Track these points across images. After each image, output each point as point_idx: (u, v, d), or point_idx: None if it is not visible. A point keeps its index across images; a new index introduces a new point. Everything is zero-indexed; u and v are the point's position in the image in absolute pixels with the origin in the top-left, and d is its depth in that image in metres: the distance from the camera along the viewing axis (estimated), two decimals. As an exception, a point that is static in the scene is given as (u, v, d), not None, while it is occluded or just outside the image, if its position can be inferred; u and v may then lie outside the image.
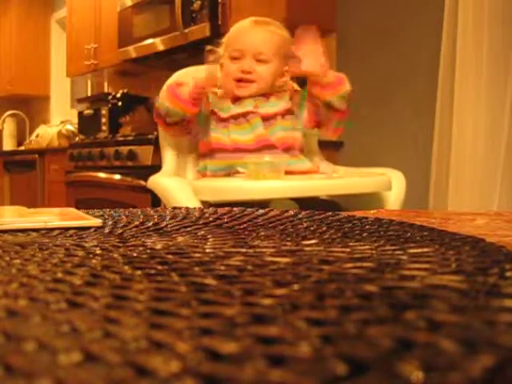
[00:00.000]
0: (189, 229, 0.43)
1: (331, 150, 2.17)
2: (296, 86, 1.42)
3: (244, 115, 1.26)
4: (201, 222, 0.47)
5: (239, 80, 1.27)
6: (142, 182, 2.13)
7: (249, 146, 1.23)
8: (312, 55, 1.19)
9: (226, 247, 0.33)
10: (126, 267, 0.27)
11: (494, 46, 1.73)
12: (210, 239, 0.37)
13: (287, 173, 1.13)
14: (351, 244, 0.34)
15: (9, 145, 4.47)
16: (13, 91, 4.38)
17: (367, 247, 0.32)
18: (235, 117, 1.27)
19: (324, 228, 0.42)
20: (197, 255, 0.30)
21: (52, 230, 0.43)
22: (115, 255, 0.31)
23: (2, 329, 0.17)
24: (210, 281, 0.23)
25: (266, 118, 1.26)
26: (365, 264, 0.27)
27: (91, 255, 0.31)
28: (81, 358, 0.14)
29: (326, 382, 0.13)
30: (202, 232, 0.41)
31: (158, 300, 0.20)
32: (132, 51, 2.93)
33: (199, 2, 2.39)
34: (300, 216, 0.50)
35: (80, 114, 3.31)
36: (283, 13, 2.10)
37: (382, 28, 2.16)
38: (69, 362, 0.14)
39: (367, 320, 0.17)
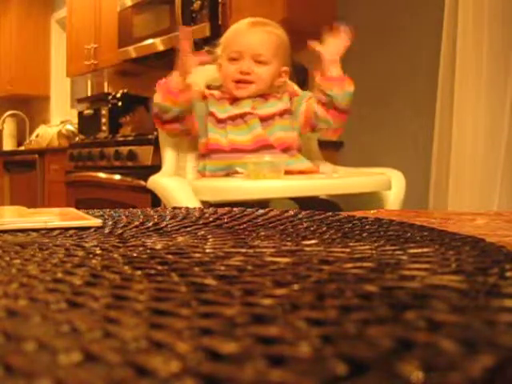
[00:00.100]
0: (189, 229, 0.43)
1: (331, 150, 2.17)
2: (297, 88, 1.42)
3: (241, 116, 1.27)
4: (201, 222, 0.47)
5: (238, 81, 1.27)
6: (142, 182, 2.13)
7: (246, 147, 1.23)
8: (332, 44, 1.27)
9: (226, 247, 0.33)
10: (126, 267, 0.27)
11: (494, 46, 1.73)
12: (210, 239, 0.37)
13: (286, 172, 1.13)
14: (351, 244, 0.34)
15: (9, 145, 4.47)
16: (13, 91, 4.38)
17: (367, 247, 0.32)
18: (232, 118, 1.27)
19: (324, 228, 0.42)
20: (197, 255, 0.30)
21: (52, 229, 0.43)
22: (115, 255, 0.31)
23: (1, 329, 0.17)
24: (209, 281, 0.23)
25: (264, 119, 1.27)
26: (365, 264, 0.27)
27: (91, 255, 0.31)
28: (81, 358, 0.14)
29: (326, 382, 0.13)
30: (202, 232, 0.41)
31: (158, 300, 0.20)
32: (132, 51, 2.93)
33: (199, 2, 2.39)
34: (300, 216, 0.50)
35: (80, 114, 3.31)
36: (283, 13, 2.10)
37: (381, 28, 2.16)
38: (69, 361, 0.14)
39: (367, 320, 0.17)
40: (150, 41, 2.77)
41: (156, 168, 1.38)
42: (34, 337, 0.16)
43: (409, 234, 0.37)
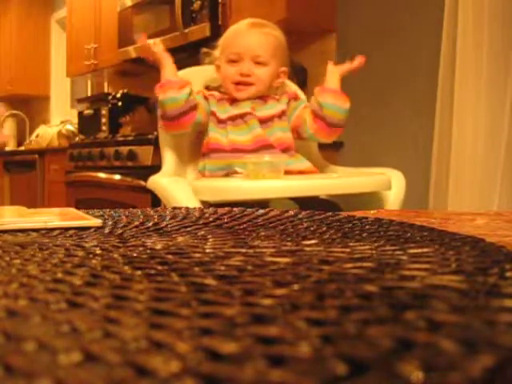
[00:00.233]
0: (189, 229, 0.43)
1: (331, 150, 2.16)
2: (299, 92, 1.42)
3: (241, 116, 1.27)
4: (201, 222, 0.47)
5: (238, 83, 1.28)
6: (142, 182, 2.13)
7: (246, 147, 1.24)
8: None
9: (226, 247, 0.33)
10: (126, 267, 0.27)
11: (494, 46, 1.73)
12: (210, 239, 0.37)
13: (286, 172, 1.13)
14: (351, 244, 0.34)
15: (9, 145, 4.47)
16: (13, 91, 4.38)
17: (367, 247, 0.32)
18: (233, 118, 1.27)
19: (324, 228, 0.42)
20: (197, 255, 0.30)
21: (52, 230, 0.43)
22: (115, 255, 0.31)
23: (1, 329, 0.17)
24: (209, 281, 0.23)
25: (264, 121, 1.27)
26: (365, 264, 0.27)
27: (91, 255, 0.31)
28: (81, 358, 0.14)
29: (326, 382, 0.13)
30: (202, 232, 0.41)
31: (158, 300, 0.20)
32: (132, 51, 2.93)
33: (199, 2, 2.39)
34: (300, 216, 0.50)
35: (80, 113, 3.31)
36: (283, 13, 2.10)
37: (381, 28, 2.16)
38: (69, 361, 0.14)
39: (367, 320, 0.17)
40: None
41: (156, 168, 1.38)
42: (34, 337, 0.16)
43: (409, 234, 0.37)
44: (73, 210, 0.56)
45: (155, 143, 2.12)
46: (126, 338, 0.16)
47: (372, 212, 0.63)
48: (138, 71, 3.30)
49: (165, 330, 0.17)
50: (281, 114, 1.30)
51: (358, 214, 0.55)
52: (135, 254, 0.31)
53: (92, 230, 0.43)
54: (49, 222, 0.45)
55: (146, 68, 3.17)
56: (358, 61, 1.30)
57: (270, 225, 0.44)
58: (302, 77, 2.09)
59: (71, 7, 3.71)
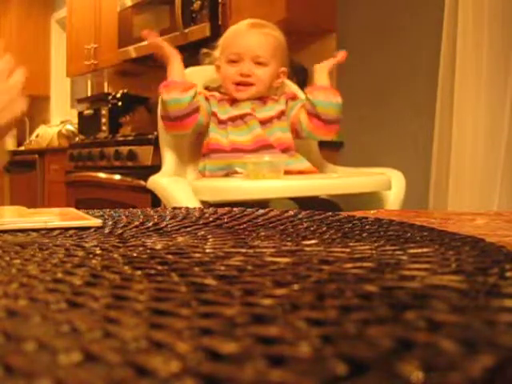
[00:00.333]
0: (189, 229, 0.43)
1: (331, 150, 2.16)
2: (299, 93, 1.42)
3: (241, 117, 1.27)
4: (201, 222, 0.47)
5: (238, 83, 1.28)
6: (142, 182, 2.13)
7: (246, 147, 1.24)
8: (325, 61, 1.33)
9: (226, 247, 0.33)
10: (126, 267, 0.27)
11: (494, 46, 1.73)
12: (210, 239, 0.37)
13: (286, 172, 1.13)
14: (351, 244, 0.34)
15: (9, 145, 4.47)
16: (13, 91, 4.37)
17: (367, 247, 0.32)
18: (233, 119, 1.28)
19: (324, 228, 0.42)
20: (197, 255, 0.30)
21: (52, 230, 0.43)
22: (115, 255, 0.31)
23: (1, 329, 0.17)
24: (210, 281, 0.23)
25: (263, 122, 1.28)
26: (365, 264, 0.27)
27: (91, 255, 0.31)
28: (81, 357, 0.14)
29: (326, 382, 0.13)
30: (202, 232, 0.41)
31: (158, 300, 0.20)
32: (132, 51, 2.93)
33: (199, 2, 2.39)
34: (300, 216, 0.50)
35: (80, 114, 3.31)
36: (283, 13, 2.10)
37: (381, 28, 2.16)
38: (69, 361, 0.14)
39: (367, 320, 0.17)
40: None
41: (156, 168, 1.38)
42: (34, 337, 0.16)
43: (409, 234, 0.37)
44: (73, 210, 0.56)
45: (155, 143, 2.12)
46: (126, 337, 0.16)
47: (372, 212, 0.63)
48: (138, 71, 3.30)
49: (165, 330, 0.17)
50: (280, 115, 1.31)
51: (358, 213, 0.55)
52: (135, 254, 0.31)
53: (92, 230, 0.43)
54: (49, 222, 0.45)
55: (146, 68, 3.17)
56: (341, 55, 1.32)
57: (270, 225, 0.44)
58: (301, 77, 2.09)
59: (71, 7, 3.71)
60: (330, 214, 0.52)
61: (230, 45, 1.31)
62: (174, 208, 0.61)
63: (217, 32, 2.29)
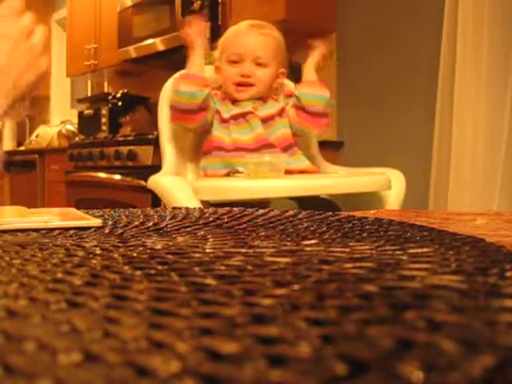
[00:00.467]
0: (189, 229, 0.43)
1: (331, 150, 2.17)
2: (295, 89, 1.42)
3: (243, 115, 1.28)
4: (201, 222, 0.47)
5: (239, 84, 1.29)
6: (142, 182, 2.13)
7: (248, 146, 1.25)
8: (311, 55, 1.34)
9: (226, 247, 0.33)
10: (126, 267, 0.27)
11: (494, 46, 1.73)
12: (210, 239, 0.37)
13: (287, 172, 1.13)
14: (351, 244, 0.34)
15: (9, 145, 4.47)
16: (13, 91, 4.37)
17: (367, 247, 0.32)
18: (235, 117, 1.28)
19: (324, 228, 0.42)
20: (197, 255, 0.30)
21: (52, 230, 0.43)
22: (115, 255, 0.31)
23: (1, 329, 0.17)
24: (210, 281, 0.23)
25: (265, 120, 1.28)
26: (365, 264, 0.27)
27: (91, 255, 0.31)
28: (81, 358, 0.14)
29: (326, 381, 0.13)
30: (202, 232, 0.41)
31: (158, 300, 0.20)
32: (132, 51, 2.93)
33: (199, 2, 2.39)
34: (300, 216, 0.50)
35: (80, 114, 3.31)
36: (283, 13, 2.10)
37: (381, 28, 2.16)
38: (69, 362, 0.14)
39: (367, 320, 0.17)
40: (150, 41, 2.77)
41: (156, 168, 1.38)
42: (34, 337, 0.16)
43: (409, 234, 0.37)
44: (73, 210, 0.56)
45: (155, 143, 2.12)
46: (126, 337, 0.16)
47: (372, 212, 0.63)
48: (138, 71, 3.30)
49: (165, 329, 0.17)
50: (280, 112, 1.32)
51: (358, 214, 0.55)
52: (135, 254, 0.31)
53: (92, 230, 0.43)
54: (49, 222, 0.45)
55: (146, 68, 3.17)
56: (322, 48, 1.35)
57: (270, 225, 0.44)
58: (301, 76, 2.09)
59: (71, 7, 3.71)
60: (330, 214, 0.52)
61: (231, 45, 1.31)
62: (174, 208, 0.61)
63: (217, 32, 2.29)
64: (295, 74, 1.64)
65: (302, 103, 1.27)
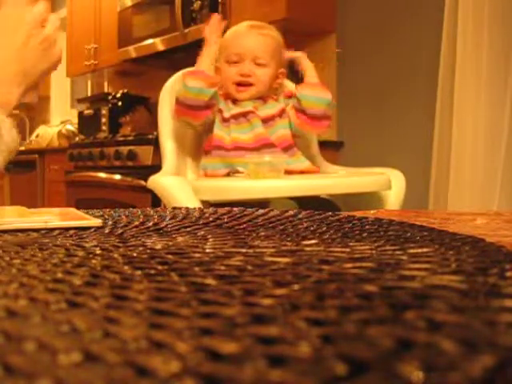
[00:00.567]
0: (189, 229, 0.43)
1: (331, 150, 2.17)
2: (296, 90, 1.42)
3: (244, 115, 1.28)
4: (201, 222, 0.47)
5: (238, 84, 1.29)
6: (142, 182, 2.13)
7: (248, 145, 1.25)
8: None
9: (226, 247, 0.33)
10: (126, 267, 0.27)
11: (494, 46, 1.73)
12: (210, 239, 0.37)
13: (286, 172, 1.13)
14: (351, 244, 0.34)
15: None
16: (13, 91, 4.36)
17: (367, 247, 0.32)
18: (235, 116, 1.28)
19: (324, 228, 0.42)
20: (197, 255, 0.30)
21: (52, 230, 0.43)
22: (115, 255, 0.31)
23: (1, 329, 0.17)
24: (210, 281, 0.23)
25: (265, 120, 1.29)
26: (365, 264, 0.27)
27: (91, 255, 0.31)
28: (81, 357, 0.14)
29: (326, 381, 0.13)
30: (202, 232, 0.41)
31: (158, 300, 0.20)
32: (132, 51, 2.93)
33: (199, 2, 2.39)
34: (300, 216, 0.50)
35: (80, 114, 3.31)
36: (283, 13, 2.10)
37: (381, 28, 2.16)
38: (69, 362, 0.14)
39: (367, 320, 0.17)
40: (150, 41, 2.77)
41: (156, 168, 1.39)
42: (34, 337, 0.16)
43: (409, 234, 0.37)
44: (73, 210, 0.56)
45: (155, 143, 2.12)
46: (126, 337, 0.16)
47: (372, 212, 0.63)
48: (137, 71, 3.30)
49: (165, 330, 0.17)
50: (281, 113, 1.32)
51: (358, 214, 0.55)
52: (135, 254, 0.31)
53: (92, 230, 0.43)
54: (49, 222, 0.45)
55: (146, 68, 3.17)
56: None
57: (270, 225, 0.44)
58: (301, 76, 2.09)
59: (71, 7, 3.71)
60: (330, 214, 0.52)
61: (230, 46, 1.31)
62: (174, 208, 0.61)
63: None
64: (296, 74, 1.64)
65: (302, 105, 1.27)
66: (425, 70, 2.01)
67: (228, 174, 1.23)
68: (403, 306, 0.19)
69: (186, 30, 2.47)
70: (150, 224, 0.46)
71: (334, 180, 1.17)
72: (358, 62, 2.24)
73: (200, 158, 1.35)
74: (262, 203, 1.02)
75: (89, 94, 3.86)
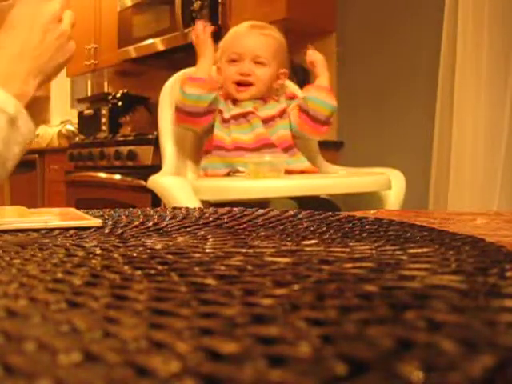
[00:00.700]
0: (189, 229, 0.43)
1: (331, 150, 2.17)
2: (299, 93, 1.42)
3: (244, 115, 1.28)
4: (201, 222, 0.47)
5: (238, 83, 1.29)
6: (142, 182, 2.13)
7: (248, 145, 1.25)
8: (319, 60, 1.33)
9: (226, 247, 0.33)
10: (126, 267, 0.27)
11: (494, 46, 1.73)
12: (210, 239, 0.37)
13: (286, 172, 1.13)
14: (351, 244, 0.34)
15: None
16: (13, 91, 4.36)
17: (367, 247, 0.32)
18: (235, 117, 1.28)
19: (324, 228, 0.42)
20: (197, 255, 0.30)
21: (52, 230, 0.43)
22: (115, 255, 0.31)
23: (1, 329, 0.17)
24: (210, 281, 0.23)
25: (266, 121, 1.28)
26: (365, 264, 0.27)
27: (91, 255, 0.31)
28: (81, 357, 0.14)
29: (326, 382, 0.13)
30: (202, 232, 0.41)
31: (158, 300, 0.20)
32: (132, 51, 2.93)
33: (199, 2, 2.39)
34: (300, 216, 0.50)
35: (80, 114, 3.31)
36: (283, 13, 2.10)
37: (381, 28, 2.16)
38: (69, 362, 0.14)
39: (367, 320, 0.17)
40: (150, 41, 2.77)
41: (156, 168, 1.38)
42: (34, 337, 0.16)
43: (409, 234, 0.37)
44: (73, 210, 0.56)
45: (155, 143, 2.12)
46: (126, 337, 0.16)
47: (372, 212, 0.63)
48: (138, 71, 3.30)
49: (165, 329, 0.17)
50: (282, 113, 1.32)
51: (358, 214, 0.55)
52: (135, 254, 0.31)
53: (92, 230, 0.43)
54: (49, 222, 0.45)
55: (146, 68, 3.17)
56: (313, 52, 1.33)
57: (270, 225, 0.44)
58: (301, 77, 2.09)
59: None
60: (330, 214, 0.52)
61: (231, 45, 1.31)
62: (174, 208, 0.61)
63: (216, 32, 2.29)
64: (296, 74, 1.64)
65: (307, 105, 1.27)
66: (425, 70, 2.01)
67: (228, 174, 1.23)
68: (403, 305, 0.19)
69: (186, 30, 2.47)
70: (150, 224, 0.46)
71: (334, 180, 1.17)
72: (358, 61, 2.23)
73: (200, 158, 1.35)
74: (262, 203, 1.02)
75: (89, 94, 3.86)
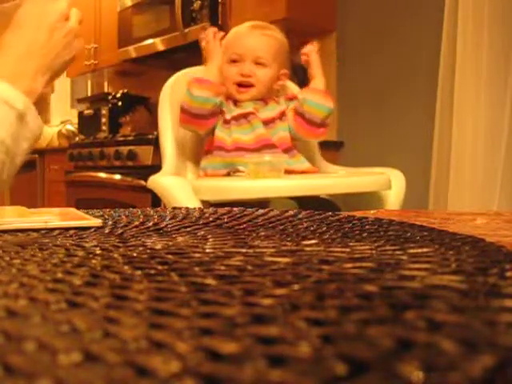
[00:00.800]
0: (189, 229, 0.43)
1: (331, 150, 2.17)
2: (299, 93, 1.42)
3: (245, 116, 1.28)
4: (201, 222, 0.47)
5: (239, 84, 1.29)
6: (142, 182, 2.13)
7: (249, 146, 1.25)
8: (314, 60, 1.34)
9: (226, 247, 0.33)
10: (126, 267, 0.27)
11: (494, 46, 1.73)
12: (210, 239, 0.37)
13: (287, 172, 1.13)
14: (351, 244, 0.34)
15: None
16: (13, 91, 4.36)
17: (367, 247, 0.32)
18: (236, 118, 1.28)
19: (324, 228, 0.42)
20: (197, 255, 0.30)
21: (52, 230, 0.43)
22: (115, 255, 0.31)
23: (1, 329, 0.17)
24: (210, 281, 0.23)
25: (266, 122, 1.29)
26: (365, 264, 0.27)
27: (91, 255, 0.31)
28: (81, 358, 0.14)
29: (326, 381, 0.13)
30: (202, 232, 0.41)
31: (158, 300, 0.20)
32: (132, 51, 2.93)
33: (199, 2, 2.39)
34: (300, 216, 0.50)
35: (80, 114, 3.31)
36: (283, 12, 2.10)
37: (381, 28, 2.16)
38: (69, 362, 0.14)
39: (367, 320, 0.17)
40: (150, 41, 2.77)
41: (156, 168, 1.38)
42: (34, 337, 0.16)
43: (409, 234, 0.37)
44: (73, 210, 0.56)
45: (155, 143, 2.12)
46: (126, 337, 0.16)
47: (372, 212, 0.63)
48: (138, 71, 3.30)
49: (165, 330, 0.17)
50: (281, 115, 1.32)
51: (358, 214, 0.55)
52: (135, 254, 0.31)
53: (92, 230, 0.43)
54: (49, 222, 0.45)
55: (146, 68, 3.17)
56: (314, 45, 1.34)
57: (270, 225, 0.44)
58: (301, 77, 2.09)
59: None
60: (330, 214, 0.52)
61: (232, 46, 1.31)
62: (174, 208, 0.61)
63: (217, 32, 2.29)
64: (296, 74, 1.64)
65: (303, 108, 1.27)
66: (425, 70, 2.01)
67: (228, 174, 1.23)
68: (403, 306, 0.19)
69: (186, 30, 2.47)
70: (150, 224, 0.46)
71: (334, 180, 1.17)
72: (358, 61, 2.24)
73: (200, 158, 1.35)
74: (262, 203, 1.02)
75: (89, 94, 3.86)
